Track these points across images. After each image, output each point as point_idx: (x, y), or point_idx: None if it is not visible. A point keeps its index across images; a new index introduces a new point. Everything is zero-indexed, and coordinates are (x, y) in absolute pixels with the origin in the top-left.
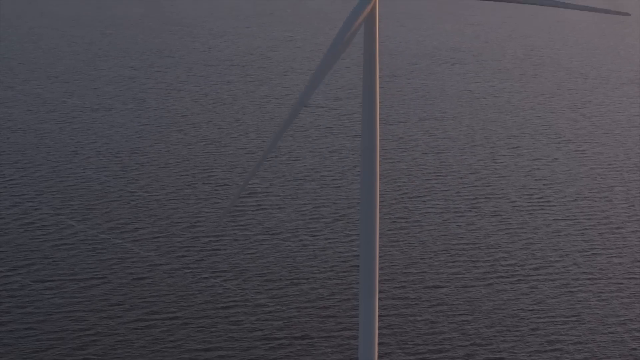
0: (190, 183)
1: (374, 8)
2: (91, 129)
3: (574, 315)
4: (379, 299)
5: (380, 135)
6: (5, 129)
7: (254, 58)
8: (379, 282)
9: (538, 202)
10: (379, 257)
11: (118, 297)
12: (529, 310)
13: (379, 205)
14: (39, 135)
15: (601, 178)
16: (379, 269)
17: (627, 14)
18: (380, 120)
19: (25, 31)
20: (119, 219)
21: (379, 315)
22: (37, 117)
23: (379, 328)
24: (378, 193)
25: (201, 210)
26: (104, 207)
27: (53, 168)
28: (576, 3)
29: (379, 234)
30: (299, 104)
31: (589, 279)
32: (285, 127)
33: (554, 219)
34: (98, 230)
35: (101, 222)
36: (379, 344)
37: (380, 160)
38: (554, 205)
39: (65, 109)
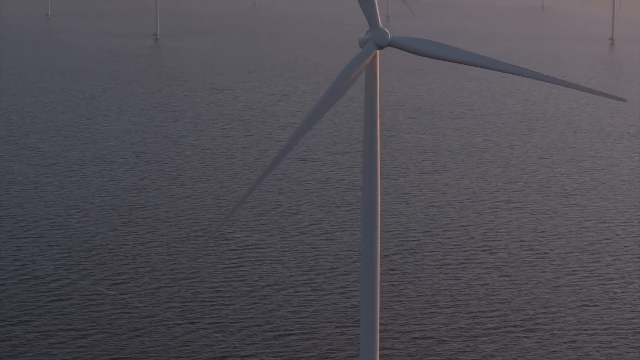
0: (188, 237)
1: (374, 61)
2: (91, 183)
3: None
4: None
5: (380, 189)
6: (5, 183)
7: (254, 112)
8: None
9: (537, 255)
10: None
11: (115, 348)
12: None
13: (380, 259)
14: (39, 189)
15: (601, 232)
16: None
17: (623, 100)
18: (380, 174)
19: (26, 86)
20: (117, 272)
21: None
22: (37, 170)
23: None
24: (379, 247)
25: (200, 263)
26: (102, 260)
27: (52, 221)
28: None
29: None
30: (286, 147)
31: (588, 332)
32: (274, 163)
33: (553, 272)
34: (96, 283)
35: (99, 274)
36: None
37: (380, 214)
38: (553, 259)
39: (65, 162)
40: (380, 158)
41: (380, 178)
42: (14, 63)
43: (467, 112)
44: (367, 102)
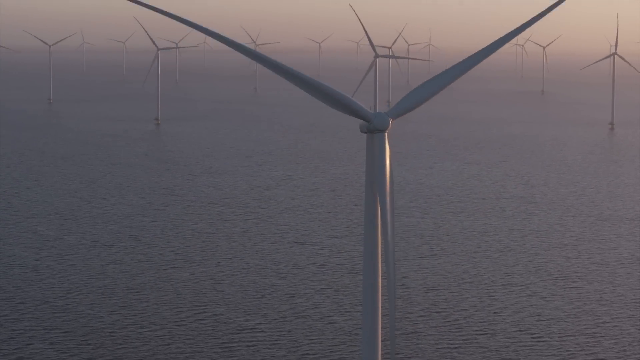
0: (185, 319)
1: (375, 145)
2: (90, 266)
3: None
4: None
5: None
6: (3, 266)
7: (252, 197)
8: None
9: (532, 338)
10: None
11: None
12: None
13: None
14: (37, 272)
15: (594, 315)
16: None
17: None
18: (381, 258)
19: (26, 169)
20: (115, 356)
21: None
22: (36, 253)
23: None
24: (380, 330)
25: (197, 346)
26: (100, 344)
27: (49, 304)
28: None
29: None
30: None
31: None
32: None
33: (547, 355)
34: None
35: (97, 358)
36: None
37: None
38: (547, 341)
39: (65, 246)
40: (381, 242)
41: (381, 261)
42: (14, 147)
43: (466, 195)
44: (367, 186)
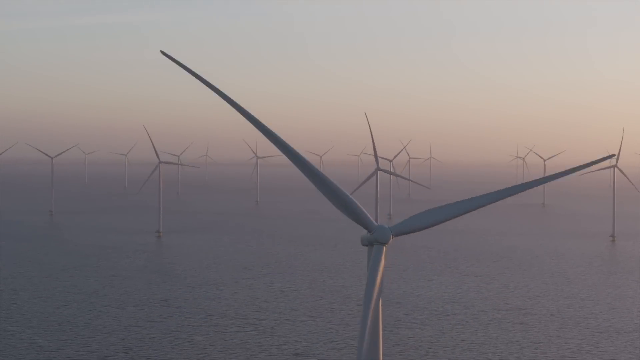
0: None
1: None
2: None
3: None
4: None
5: None
6: None
7: (251, 308)
8: None
9: None
10: None
11: None
12: None
13: None
14: None
15: None
16: None
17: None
18: None
19: (25, 280)
20: None
21: None
22: None
23: None
24: None
25: None
26: None
27: None
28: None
29: None
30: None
31: None
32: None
33: None
34: None
35: None
36: None
37: None
38: None
39: (62, 358)
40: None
41: None
42: (14, 258)
43: (465, 308)
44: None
